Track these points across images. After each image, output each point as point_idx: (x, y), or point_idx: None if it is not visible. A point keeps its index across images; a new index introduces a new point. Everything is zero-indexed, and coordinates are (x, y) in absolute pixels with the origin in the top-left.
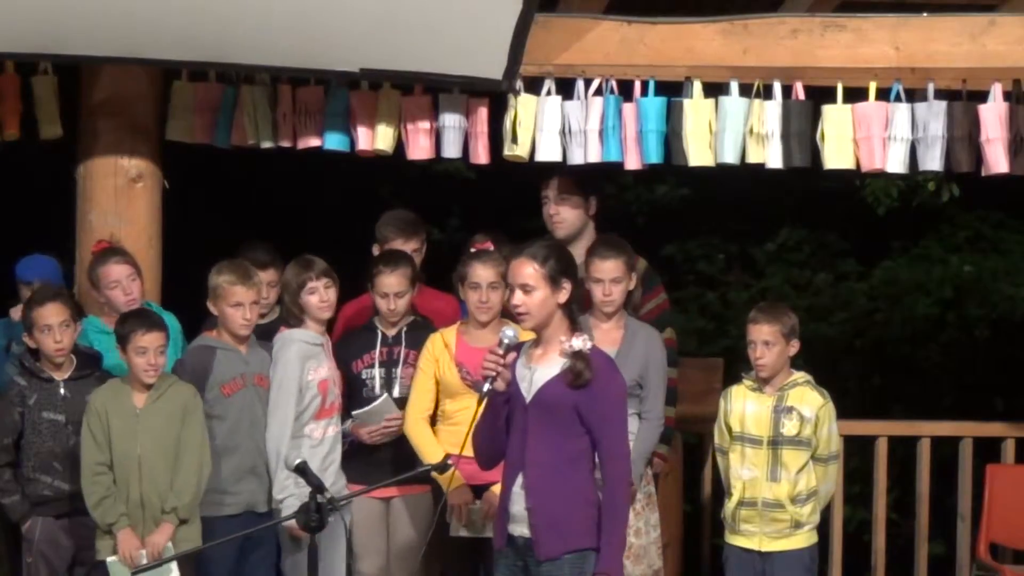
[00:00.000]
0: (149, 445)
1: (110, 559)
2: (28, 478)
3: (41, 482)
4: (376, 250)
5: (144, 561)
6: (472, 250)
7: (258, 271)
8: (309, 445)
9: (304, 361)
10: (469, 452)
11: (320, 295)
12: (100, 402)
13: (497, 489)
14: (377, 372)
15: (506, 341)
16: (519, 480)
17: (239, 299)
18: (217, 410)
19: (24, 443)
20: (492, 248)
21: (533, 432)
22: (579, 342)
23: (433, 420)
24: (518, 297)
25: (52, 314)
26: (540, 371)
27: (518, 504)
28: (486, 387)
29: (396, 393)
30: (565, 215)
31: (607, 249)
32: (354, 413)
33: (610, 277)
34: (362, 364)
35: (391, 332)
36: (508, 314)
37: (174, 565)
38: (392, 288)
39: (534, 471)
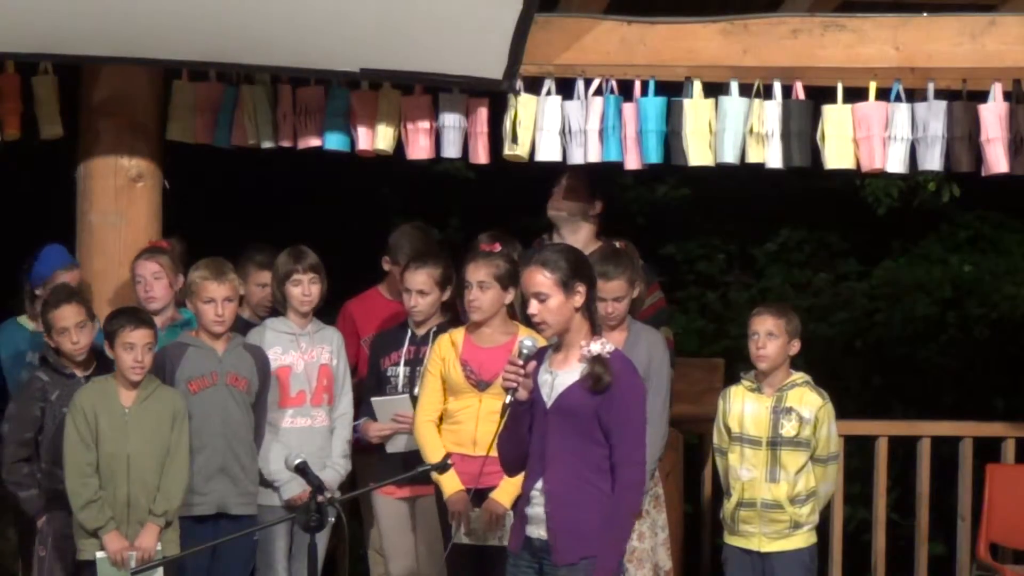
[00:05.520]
0: (139, 445)
1: (99, 555)
2: (46, 472)
3: (57, 476)
4: (385, 263)
5: (133, 563)
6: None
7: (257, 270)
8: (275, 435)
9: (267, 348)
10: (471, 452)
11: (303, 288)
12: (86, 400)
13: (497, 496)
14: (401, 370)
15: (524, 351)
16: (538, 484)
17: (211, 295)
18: None
19: (43, 438)
20: (499, 250)
21: (553, 437)
22: (598, 346)
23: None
24: (533, 306)
25: (68, 316)
26: (561, 376)
27: (537, 507)
28: (508, 399)
29: (416, 391)
30: (563, 206)
31: (611, 268)
32: (372, 400)
33: (613, 296)
34: (389, 362)
35: (420, 332)
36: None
37: (161, 571)
38: (415, 285)
39: (553, 476)
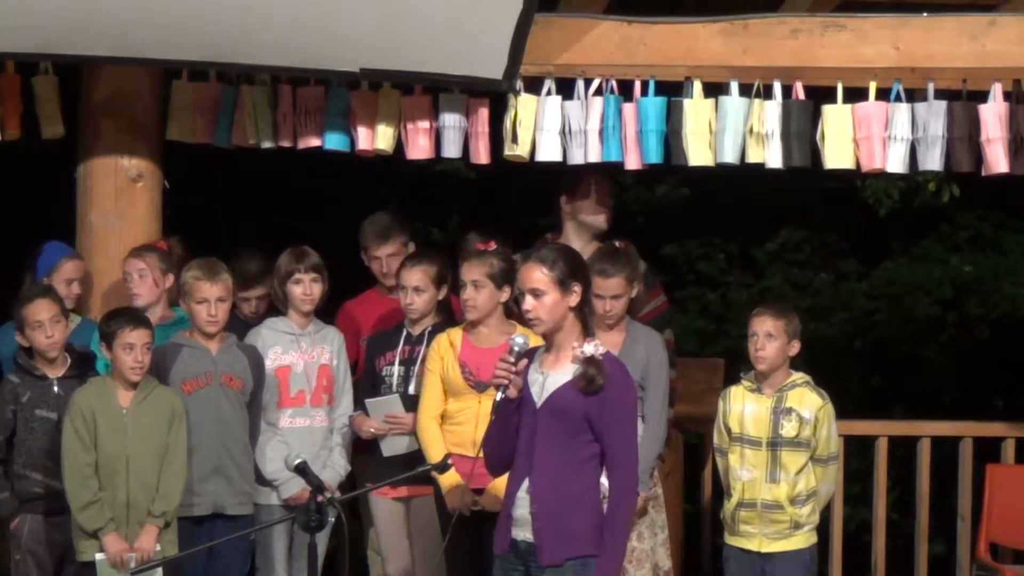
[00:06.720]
0: (138, 445)
1: (99, 556)
2: (19, 475)
3: (31, 479)
4: (363, 256)
5: (133, 564)
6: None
7: (242, 285)
8: (274, 435)
9: (266, 348)
10: (470, 453)
11: (304, 287)
12: (84, 401)
13: (495, 485)
14: (396, 370)
15: (516, 348)
16: (525, 484)
17: (204, 295)
18: None
19: (16, 440)
20: (493, 248)
21: (542, 437)
22: (591, 347)
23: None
24: (528, 302)
25: (42, 310)
26: (552, 376)
27: (522, 508)
28: (499, 396)
29: (412, 390)
30: (605, 211)
31: (610, 266)
32: (366, 401)
33: (611, 294)
34: (384, 361)
35: (416, 331)
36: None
37: (160, 571)
38: (410, 282)
39: (540, 476)
